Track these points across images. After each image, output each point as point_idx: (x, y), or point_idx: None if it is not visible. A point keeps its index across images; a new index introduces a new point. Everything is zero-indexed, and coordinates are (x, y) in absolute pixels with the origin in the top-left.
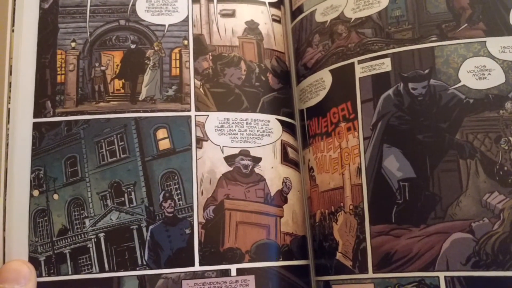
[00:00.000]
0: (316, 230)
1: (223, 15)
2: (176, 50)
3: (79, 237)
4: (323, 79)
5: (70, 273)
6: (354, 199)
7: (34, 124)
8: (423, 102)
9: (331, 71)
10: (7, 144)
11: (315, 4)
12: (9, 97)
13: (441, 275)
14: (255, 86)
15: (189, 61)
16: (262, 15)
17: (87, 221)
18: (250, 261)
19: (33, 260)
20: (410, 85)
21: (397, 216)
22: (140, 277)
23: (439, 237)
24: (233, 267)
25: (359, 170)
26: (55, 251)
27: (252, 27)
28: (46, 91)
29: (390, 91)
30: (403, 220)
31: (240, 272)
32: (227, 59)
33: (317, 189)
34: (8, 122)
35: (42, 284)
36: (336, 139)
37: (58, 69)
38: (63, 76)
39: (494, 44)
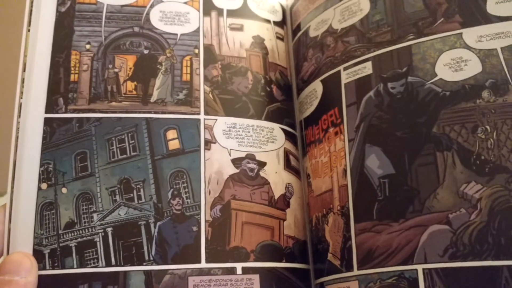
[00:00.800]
0: (313, 234)
1: (232, 29)
2: (187, 58)
3: (86, 231)
4: (316, 89)
5: (75, 266)
6: (341, 200)
7: (46, 119)
8: (401, 99)
9: (321, 81)
10: (17, 137)
11: (309, 21)
12: (21, 92)
13: (419, 267)
14: (261, 96)
15: (199, 68)
16: (267, 32)
17: (95, 216)
18: (255, 260)
19: (37, 253)
20: (389, 84)
21: (378, 212)
22: (146, 272)
23: (417, 230)
24: (238, 266)
25: (345, 171)
26: (61, 244)
27: (258, 41)
28: (59, 89)
29: (371, 93)
30: (383, 216)
31: (245, 270)
32: (235, 68)
33: (313, 194)
34: (19, 116)
35: (46, 277)
36: (326, 144)
37: (72, 68)
38: (76, 75)
39: (471, 34)
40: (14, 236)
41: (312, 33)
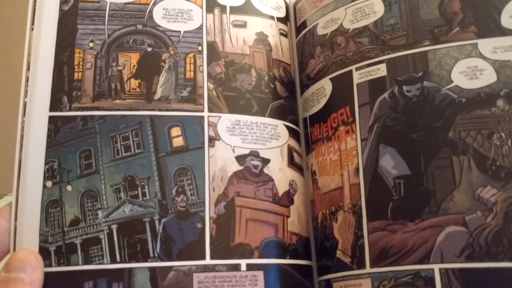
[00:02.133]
0: (318, 231)
1: (235, 26)
2: (191, 55)
3: (91, 228)
4: (324, 87)
5: (80, 263)
6: (353, 198)
7: (50, 117)
8: (417, 103)
9: (331, 79)
10: (22, 136)
11: (317, 19)
12: (26, 91)
13: (436, 267)
14: (265, 92)
15: (202, 65)
16: (271, 28)
17: (100, 213)
18: (259, 257)
19: (43, 250)
20: (405, 87)
21: (392, 212)
22: (151, 269)
23: (433, 230)
24: (243, 262)
25: (357, 170)
26: (66, 241)
27: (261, 38)
28: (63, 87)
29: (385, 94)
30: (398, 215)
31: (249, 267)
32: (238, 65)
33: (319, 191)
34: (24, 115)
35: (52, 274)
36: (335, 142)
37: (76, 66)
38: (80, 73)
39: (486, 45)
40: (20, 233)
41: (320, 31)
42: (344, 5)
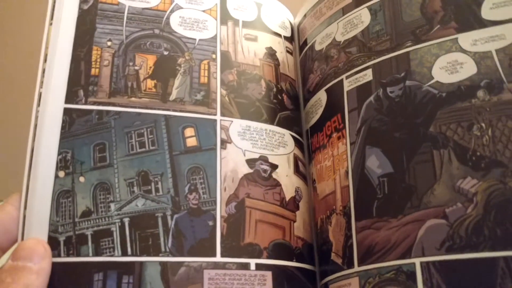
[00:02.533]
0: (318, 236)
1: (247, 39)
2: (205, 62)
3: (103, 220)
4: (321, 98)
5: (90, 254)
6: (343, 200)
7: (65, 109)
8: (399, 102)
9: (326, 90)
10: (35, 125)
11: (315, 36)
12: (41, 82)
13: (417, 261)
14: (273, 102)
15: (216, 72)
16: (278, 45)
17: (112, 205)
18: (267, 257)
19: (52, 240)
20: (388, 89)
21: (377, 209)
22: (162, 263)
23: (414, 225)
24: (252, 262)
25: (346, 173)
26: (76, 232)
27: (271, 53)
28: (80, 81)
29: (371, 98)
30: (382, 213)
31: (258, 267)
32: (249, 75)
33: (317, 198)
34: (38, 105)
35: (60, 264)
36: (329, 149)
37: (93, 63)
38: (97, 70)
39: (466, 38)
40: (29, 222)
41: (317, 47)
42: (337, 19)
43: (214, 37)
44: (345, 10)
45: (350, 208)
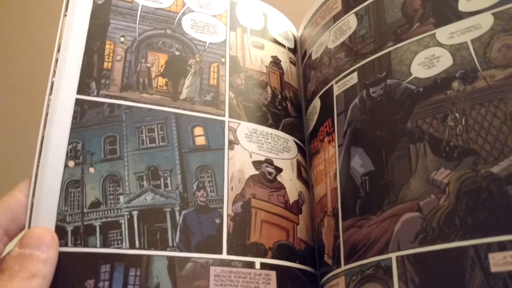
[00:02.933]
0: (316, 240)
1: (254, 46)
2: (215, 65)
3: (112, 212)
4: (315, 105)
5: (98, 246)
6: (333, 202)
7: (77, 100)
8: (380, 101)
9: (319, 97)
10: (46, 114)
11: (312, 46)
12: (54, 71)
13: (393, 255)
14: (278, 109)
15: (225, 75)
16: (283, 54)
17: (121, 198)
18: (272, 257)
19: (59, 229)
20: (371, 89)
21: (360, 208)
22: (170, 258)
23: (391, 220)
24: (257, 261)
25: (335, 175)
26: (85, 223)
27: (276, 61)
28: (92, 73)
29: (356, 100)
30: (364, 211)
31: (263, 266)
32: (256, 81)
33: (315, 201)
34: (50, 93)
35: (67, 254)
36: (322, 153)
37: (106, 56)
38: (110, 64)
39: (443, 32)
40: (36, 210)
41: (313, 56)
42: (329, 28)
43: (224, 42)
44: (335, 18)
45: (338, 209)
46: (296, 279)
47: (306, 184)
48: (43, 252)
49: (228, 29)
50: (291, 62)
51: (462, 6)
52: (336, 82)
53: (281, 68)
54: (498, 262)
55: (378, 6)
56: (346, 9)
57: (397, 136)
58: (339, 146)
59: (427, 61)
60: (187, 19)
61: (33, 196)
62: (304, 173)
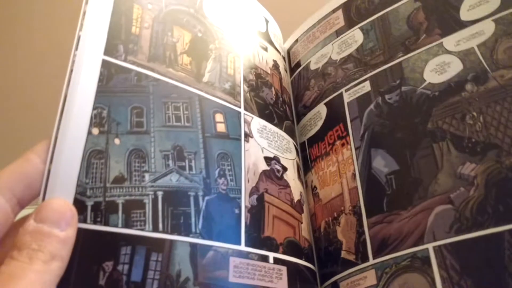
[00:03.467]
0: (322, 240)
1: (261, 47)
2: (232, 55)
3: (136, 189)
4: (320, 111)
5: (120, 225)
6: (352, 201)
7: (104, 61)
8: (398, 107)
9: (325, 103)
10: (71, 71)
11: (310, 57)
12: (81, 25)
13: (430, 246)
14: (280, 110)
15: (240, 68)
16: (280, 61)
17: (146, 176)
18: (283, 253)
19: (78, 203)
20: (386, 96)
21: (387, 205)
22: (192, 245)
23: (424, 214)
24: (271, 255)
25: (354, 175)
26: (107, 199)
27: (276, 65)
28: (120, 35)
29: (371, 106)
30: (393, 207)
31: (276, 261)
32: (264, 80)
33: (320, 203)
34: (76, 48)
35: (85, 232)
36: (333, 155)
37: (134, 21)
38: (138, 29)
39: (450, 41)
40: (54, 179)
41: (313, 66)
42: (331, 41)
43: (238, 36)
44: (338, 33)
45: (360, 207)
46: (303, 275)
47: (303, 186)
48: (62, 230)
49: (241, 25)
50: (285, 69)
51: (464, 16)
52: (346, 90)
53: (280, 73)
54: None
55: (384, 21)
56: (349, 24)
57: (419, 137)
58: (356, 148)
59: (439, 67)
60: (208, 3)
61: (51, 162)
62: (301, 176)
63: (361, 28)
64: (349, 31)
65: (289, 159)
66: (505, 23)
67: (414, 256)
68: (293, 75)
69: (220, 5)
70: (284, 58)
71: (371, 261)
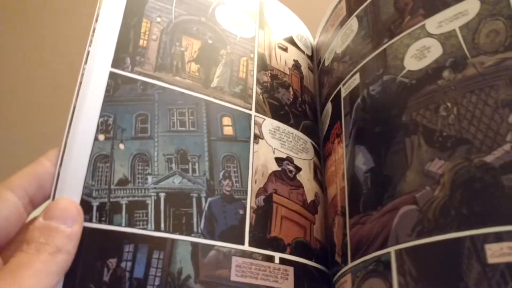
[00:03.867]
0: (329, 240)
1: (280, 47)
2: (244, 58)
3: (139, 191)
4: (328, 110)
5: (123, 224)
6: (342, 201)
7: (111, 73)
8: (379, 99)
9: (331, 101)
10: (80, 83)
11: (325, 53)
12: (91, 41)
13: (392, 249)
14: (298, 110)
15: (253, 70)
16: (303, 60)
17: (149, 178)
18: (290, 253)
19: (85, 204)
20: (370, 88)
21: (363, 205)
22: (194, 244)
23: (390, 214)
24: (276, 255)
25: (343, 174)
26: (111, 200)
27: (297, 65)
28: (128, 48)
29: (359, 99)
30: (367, 207)
31: (282, 261)
32: (280, 81)
33: (327, 203)
34: (85, 63)
35: (91, 230)
36: (334, 155)
37: (142, 34)
38: (145, 42)
39: (432, 23)
40: (62, 181)
41: (326, 63)
42: (337, 34)
43: (253, 38)
44: (342, 23)
45: (345, 208)
46: (311, 277)
47: (321, 186)
48: (68, 226)
49: (257, 26)
50: (309, 68)
51: None
52: (343, 85)
53: (301, 72)
54: (495, 253)
55: (375, 6)
56: (349, 13)
57: (394, 130)
58: (346, 146)
59: (419, 53)
60: (221, 10)
61: (60, 166)
62: (320, 176)
63: (357, 16)
64: (348, 21)
65: (304, 159)
66: (490, 2)
67: (378, 260)
68: (318, 72)
69: (234, 9)
70: (311, 56)
71: (349, 264)
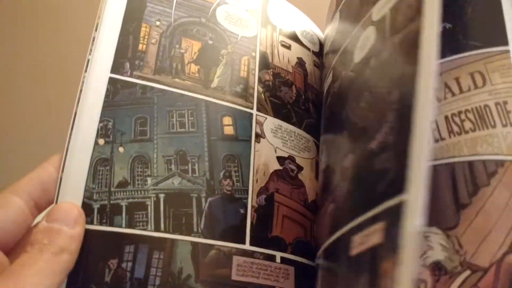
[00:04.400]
0: None
1: (282, 45)
2: (245, 58)
3: (139, 193)
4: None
5: (123, 226)
6: None
7: (110, 78)
8: (334, 96)
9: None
10: (80, 90)
11: (325, 50)
12: (91, 50)
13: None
14: (301, 109)
15: (255, 69)
16: (307, 57)
17: (149, 180)
18: (291, 253)
19: (86, 206)
20: (334, 85)
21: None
22: (194, 244)
23: (323, 215)
24: (278, 254)
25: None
26: (111, 202)
27: (301, 63)
28: (127, 54)
29: (329, 98)
30: (317, 207)
31: (283, 260)
32: (283, 79)
33: None
34: (85, 71)
35: (92, 232)
36: None
37: (141, 38)
38: (144, 46)
39: (376, 10)
40: (64, 185)
41: (324, 59)
42: (329, 28)
43: (255, 37)
44: (332, 17)
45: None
46: (312, 276)
47: None
48: (70, 227)
49: (259, 25)
50: (315, 65)
51: None
52: (325, 81)
53: (305, 70)
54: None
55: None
56: (337, 5)
57: (337, 128)
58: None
59: (362, 44)
60: (222, 10)
61: (62, 171)
62: None
63: (340, 10)
64: (335, 16)
65: (307, 158)
66: None
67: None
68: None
69: (236, 10)
70: (319, 52)
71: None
